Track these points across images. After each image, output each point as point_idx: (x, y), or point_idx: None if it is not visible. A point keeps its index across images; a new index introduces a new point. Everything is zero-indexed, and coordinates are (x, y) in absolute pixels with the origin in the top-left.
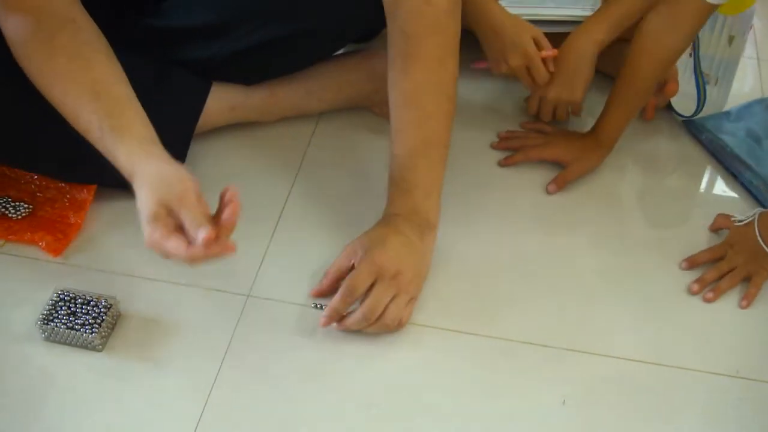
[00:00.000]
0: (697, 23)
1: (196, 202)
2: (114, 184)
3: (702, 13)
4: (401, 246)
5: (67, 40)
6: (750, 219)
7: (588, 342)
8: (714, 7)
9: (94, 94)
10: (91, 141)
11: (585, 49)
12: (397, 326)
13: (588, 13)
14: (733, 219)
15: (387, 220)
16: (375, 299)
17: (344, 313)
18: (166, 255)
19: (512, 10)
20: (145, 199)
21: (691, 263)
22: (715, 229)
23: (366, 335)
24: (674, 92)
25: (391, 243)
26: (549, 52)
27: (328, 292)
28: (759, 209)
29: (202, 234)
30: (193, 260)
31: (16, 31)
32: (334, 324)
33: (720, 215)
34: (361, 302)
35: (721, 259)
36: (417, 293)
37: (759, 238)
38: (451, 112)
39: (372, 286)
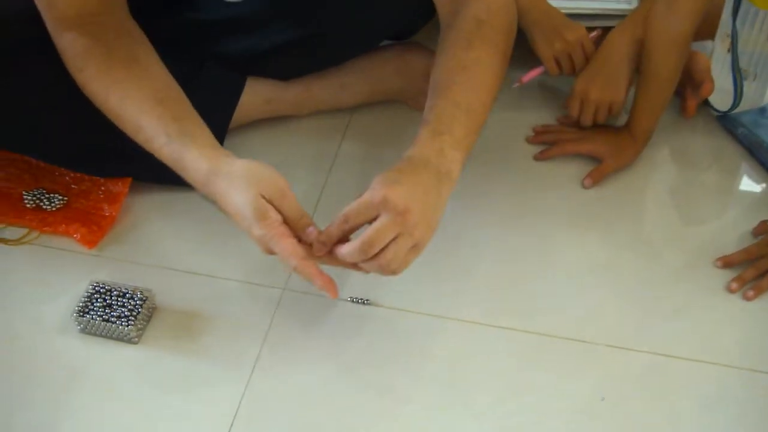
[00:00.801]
0: (694, 3)
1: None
2: (148, 178)
3: None
4: (414, 185)
5: (124, 53)
6: None
7: (625, 338)
8: None
9: (157, 101)
10: (152, 148)
11: (626, 47)
12: (392, 272)
13: (625, 6)
14: None
15: (406, 161)
16: (376, 231)
17: (336, 240)
18: (271, 252)
19: (552, 4)
20: (242, 195)
21: (727, 263)
22: (758, 233)
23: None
24: (710, 92)
25: (404, 180)
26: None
27: (335, 236)
28: None
29: (312, 231)
30: (302, 269)
31: (73, 45)
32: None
33: (764, 222)
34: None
35: (758, 258)
36: (422, 240)
37: None
38: (494, 97)
39: (375, 220)
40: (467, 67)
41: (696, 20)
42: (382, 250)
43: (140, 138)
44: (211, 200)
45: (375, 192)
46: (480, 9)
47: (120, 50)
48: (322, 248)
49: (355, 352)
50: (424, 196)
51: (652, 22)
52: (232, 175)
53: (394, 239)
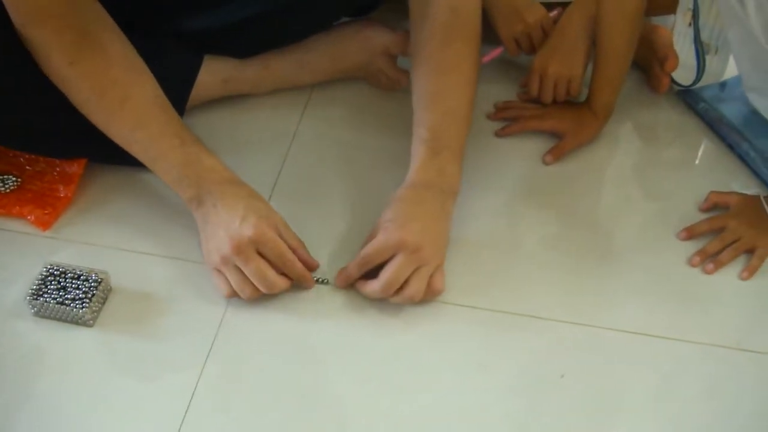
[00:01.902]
0: None
1: None
2: (104, 159)
3: None
4: (424, 219)
5: (120, 48)
6: (757, 193)
7: (587, 315)
8: None
9: (160, 107)
10: (157, 147)
11: (582, 22)
12: (431, 295)
13: None
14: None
15: (411, 188)
16: (393, 273)
17: (356, 277)
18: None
19: None
20: (265, 206)
21: (690, 233)
22: (707, 208)
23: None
24: (674, 67)
25: (414, 217)
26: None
27: (355, 275)
28: None
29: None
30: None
31: (58, 37)
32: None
33: (713, 192)
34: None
35: (720, 230)
36: (442, 260)
37: None
38: (475, 87)
39: (391, 258)
40: (450, 68)
41: None
42: (404, 285)
43: (138, 137)
44: (200, 200)
45: (390, 235)
46: None
47: (115, 45)
48: (344, 284)
49: (314, 333)
50: (433, 225)
51: None
52: (253, 195)
53: (414, 273)
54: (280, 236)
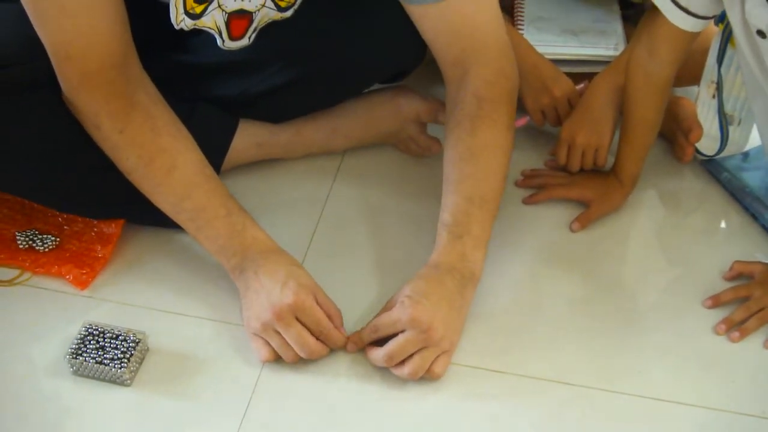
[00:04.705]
0: (673, 48)
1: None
2: (142, 221)
3: (677, 38)
4: (440, 300)
5: (168, 118)
6: None
7: (612, 380)
8: (691, 34)
9: (206, 177)
10: (203, 217)
11: (609, 93)
12: (430, 377)
13: (612, 52)
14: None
15: (432, 269)
16: (398, 347)
17: (366, 343)
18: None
19: (540, 49)
20: (305, 274)
21: (715, 302)
22: (732, 277)
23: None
24: (699, 138)
25: (430, 297)
26: (581, 85)
27: (366, 341)
28: None
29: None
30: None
31: (107, 106)
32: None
33: (737, 262)
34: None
35: (745, 299)
36: (452, 347)
37: None
38: (506, 175)
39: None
40: (475, 154)
41: (676, 66)
42: (407, 360)
43: (184, 207)
44: (242, 268)
45: (404, 310)
46: (479, 84)
47: (164, 116)
48: (353, 348)
49: (343, 396)
50: (448, 309)
51: (634, 69)
52: (294, 264)
53: (418, 351)
54: (318, 303)
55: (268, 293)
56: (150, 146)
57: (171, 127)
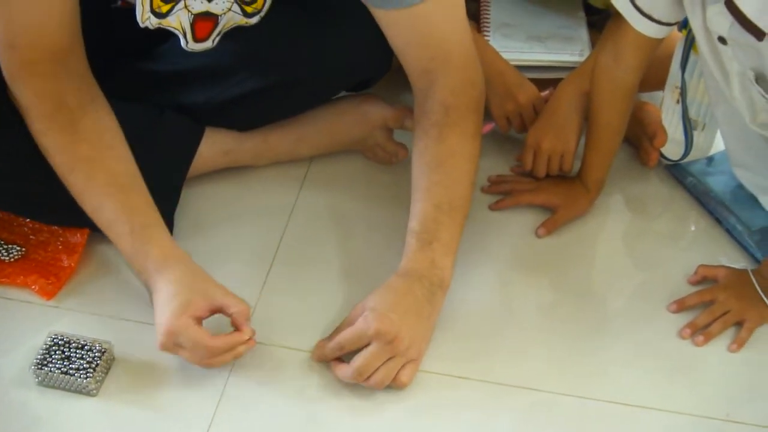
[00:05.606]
0: (638, 54)
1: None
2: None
3: (641, 44)
4: (406, 311)
5: (91, 124)
6: (745, 267)
7: (579, 386)
8: (655, 40)
9: (119, 187)
10: (112, 231)
11: (574, 98)
12: (395, 386)
13: (577, 58)
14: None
15: (401, 277)
16: (365, 361)
17: (331, 359)
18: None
19: (505, 56)
20: (188, 291)
21: (680, 306)
22: (697, 281)
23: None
24: (663, 143)
25: (396, 308)
26: (546, 92)
27: (330, 357)
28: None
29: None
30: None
31: (37, 104)
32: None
33: (702, 266)
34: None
35: (710, 303)
36: (419, 356)
37: (757, 286)
38: (474, 182)
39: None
40: (442, 162)
41: (641, 72)
42: (374, 372)
43: (99, 218)
44: (147, 288)
45: (367, 324)
46: (446, 93)
47: (87, 121)
48: (318, 360)
49: (313, 405)
50: (416, 318)
51: (599, 75)
52: (197, 274)
53: (384, 363)
54: (216, 306)
55: (157, 317)
56: (71, 154)
57: (93, 134)
